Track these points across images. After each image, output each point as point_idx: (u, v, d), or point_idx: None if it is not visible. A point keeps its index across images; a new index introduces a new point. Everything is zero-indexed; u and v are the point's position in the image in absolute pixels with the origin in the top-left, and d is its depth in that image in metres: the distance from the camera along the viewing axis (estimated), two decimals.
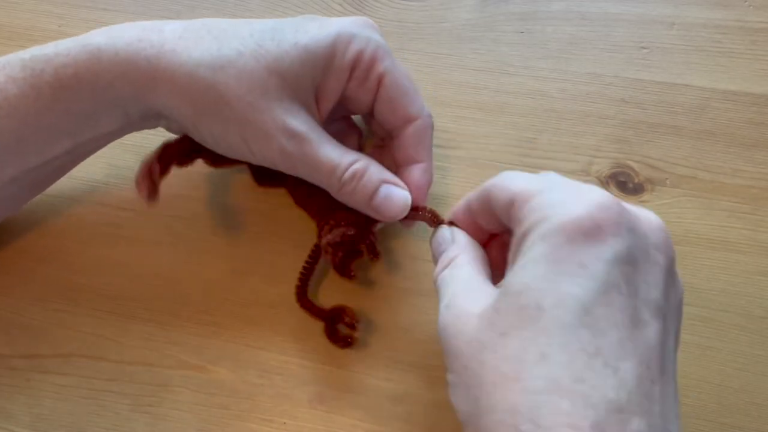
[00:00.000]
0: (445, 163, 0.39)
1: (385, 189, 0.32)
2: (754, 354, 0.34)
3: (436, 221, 0.32)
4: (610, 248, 0.22)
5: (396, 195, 0.32)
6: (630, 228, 0.23)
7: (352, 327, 0.33)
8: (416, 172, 0.33)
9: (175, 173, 0.38)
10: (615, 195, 0.37)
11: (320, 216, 0.34)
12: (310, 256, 0.34)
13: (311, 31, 0.31)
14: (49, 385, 0.34)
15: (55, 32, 0.44)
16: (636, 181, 0.38)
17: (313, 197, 0.34)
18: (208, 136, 0.32)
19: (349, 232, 0.32)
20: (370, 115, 0.35)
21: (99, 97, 0.31)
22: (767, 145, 0.39)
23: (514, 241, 0.25)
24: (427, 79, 0.42)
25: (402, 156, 0.34)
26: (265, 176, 0.36)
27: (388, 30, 0.44)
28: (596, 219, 0.23)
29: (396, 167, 0.34)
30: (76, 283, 0.36)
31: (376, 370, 0.34)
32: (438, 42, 0.43)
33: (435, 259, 0.30)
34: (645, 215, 0.25)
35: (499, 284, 0.26)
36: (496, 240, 0.30)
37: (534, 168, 0.39)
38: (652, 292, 0.23)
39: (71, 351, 0.34)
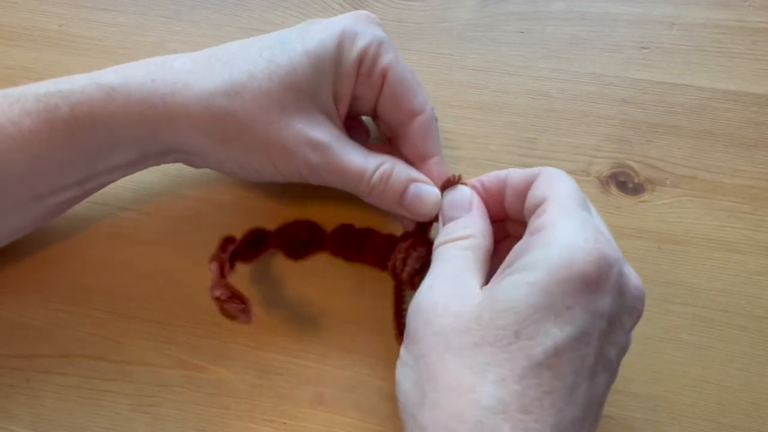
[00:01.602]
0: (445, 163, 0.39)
1: (414, 188, 0.32)
2: (754, 354, 0.34)
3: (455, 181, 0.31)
4: (598, 303, 0.24)
5: (425, 192, 0.32)
6: (619, 291, 0.25)
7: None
8: (433, 166, 0.33)
9: (177, 174, 0.38)
10: (615, 195, 0.38)
11: (382, 257, 0.33)
12: (396, 296, 0.32)
13: (317, 35, 0.31)
14: (49, 385, 0.34)
15: (55, 32, 0.44)
16: (636, 181, 0.38)
17: (365, 246, 0.34)
18: (233, 164, 0.32)
19: (422, 254, 0.32)
20: (374, 115, 0.35)
21: (114, 135, 0.30)
22: (767, 145, 0.39)
23: (522, 241, 0.26)
24: (427, 79, 0.42)
25: (413, 152, 0.33)
26: (299, 250, 0.35)
27: (388, 30, 0.43)
28: (600, 274, 0.24)
29: (409, 164, 0.33)
30: (76, 283, 0.36)
31: (376, 370, 0.34)
32: (438, 42, 0.43)
33: (442, 219, 0.30)
34: (633, 280, 0.26)
35: (488, 287, 0.26)
36: (508, 240, 0.30)
37: None
38: (611, 350, 0.25)
39: (71, 351, 0.34)
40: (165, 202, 0.38)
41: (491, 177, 0.31)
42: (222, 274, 0.30)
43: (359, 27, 0.31)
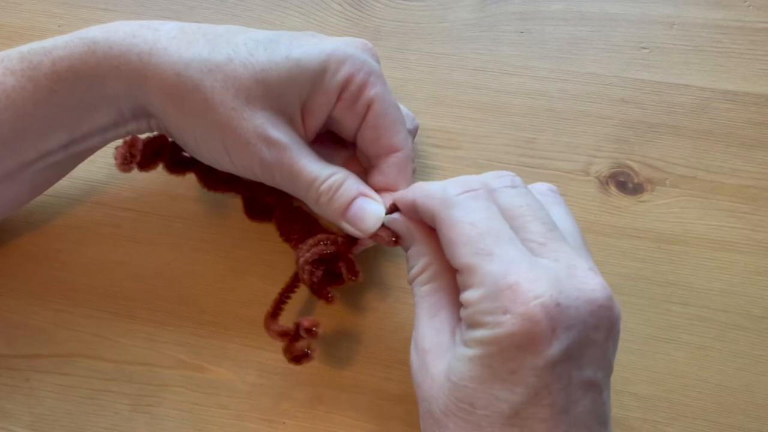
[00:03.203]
0: (444, 163, 0.39)
1: (359, 202, 0.31)
2: (753, 354, 0.34)
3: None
4: (542, 357, 0.23)
5: (369, 207, 0.31)
6: (568, 326, 0.23)
7: (312, 333, 0.31)
8: (393, 197, 0.32)
9: None
10: (614, 195, 0.38)
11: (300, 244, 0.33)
12: (288, 284, 0.33)
13: (305, 45, 0.31)
14: (49, 385, 0.34)
15: (54, 32, 0.44)
16: (636, 181, 0.38)
17: (296, 227, 0.34)
18: (190, 139, 0.32)
19: (327, 250, 0.32)
20: (353, 141, 0.34)
21: (94, 91, 0.31)
22: (767, 145, 0.39)
23: (462, 311, 0.25)
24: (427, 79, 0.42)
25: (380, 185, 0.33)
26: (256, 211, 0.36)
27: (388, 30, 0.44)
28: (529, 334, 0.23)
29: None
30: (76, 283, 0.36)
31: (376, 370, 0.34)
32: (438, 42, 0.43)
33: (402, 247, 0.31)
34: (587, 295, 0.24)
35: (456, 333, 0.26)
36: None
37: (533, 168, 0.39)
38: (586, 372, 0.24)
39: (71, 351, 0.34)
40: (164, 202, 0.38)
41: (405, 200, 0.29)
42: (153, 141, 0.32)
43: (351, 52, 0.31)
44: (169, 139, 0.34)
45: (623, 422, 0.33)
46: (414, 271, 0.29)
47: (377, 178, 0.33)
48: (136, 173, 0.37)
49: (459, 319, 0.27)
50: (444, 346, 0.26)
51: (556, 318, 0.23)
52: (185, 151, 0.34)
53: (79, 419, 0.33)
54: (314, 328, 0.30)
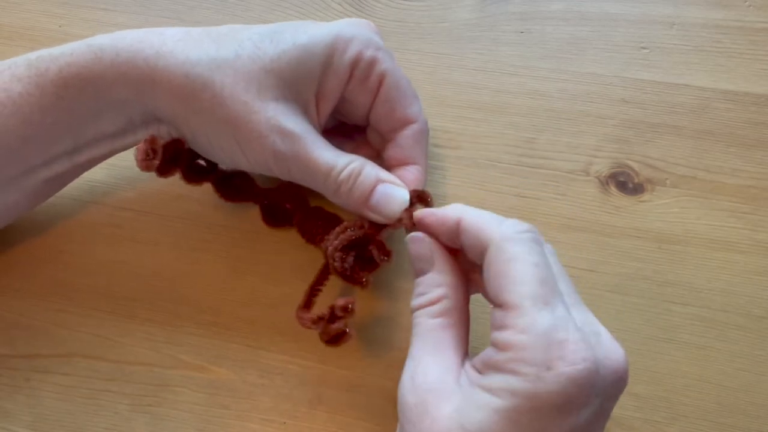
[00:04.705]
0: (444, 163, 0.39)
1: (382, 188, 0.31)
2: (753, 354, 0.34)
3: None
4: (572, 421, 0.22)
5: (393, 193, 0.31)
6: (598, 394, 0.23)
7: (348, 311, 0.30)
8: (412, 171, 0.33)
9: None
10: (615, 195, 0.38)
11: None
12: (317, 277, 0.32)
13: (310, 31, 0.31)
14: (49, 385, 0.34)
15: (55, 32, 0.44)
16: (636, 181, 0.38)
17: (319, 222, 0.34)
18: (203, 139, 0.32)
19: (356, 235, 0.31)
20: (366, 122, 0.34)
21: (101, 98, 0.31)
22: (767, 145, 0.39)
23: (492, 350, 0.24)
24: (427, 79, 0.42)
25: (397, 158, 0.33)
26: (275, 217, 0.36)
27: (388, 30, 0.44)
28: (569, 397, 0.22)
29: (388, 169, 0.33)
30: (76, 283, 0.36)
31: (376, 370, 0.34)
32: (438, 42, 0.43)
33: (414, 269, 0.29)
34: (614, 365, 0.23)
35: (466, 370, 0.25)
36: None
37: (533, 168, 0.39)
38: None
39: (71, 351, 0.34)
40: (164, 202, 0.38)
41: (440, 217, 0.28)
42: (173, 143, 0.32)
43: (356, 31, 0.32)
44: (186, 145, 0.34)
45: (623, 422, 0.33)
46: (423, 299, 0.28)
47: (394, 151, 0.33)
48: (136, 173, 0.37)
49: (464, 361, 0.26)
50: (450, 388, 0.25)
51: (594, 385, 0.22)
52: (201, 159, 0.34)
53: (79, 419, 0.33)
54: (350, 305, 0.30)
